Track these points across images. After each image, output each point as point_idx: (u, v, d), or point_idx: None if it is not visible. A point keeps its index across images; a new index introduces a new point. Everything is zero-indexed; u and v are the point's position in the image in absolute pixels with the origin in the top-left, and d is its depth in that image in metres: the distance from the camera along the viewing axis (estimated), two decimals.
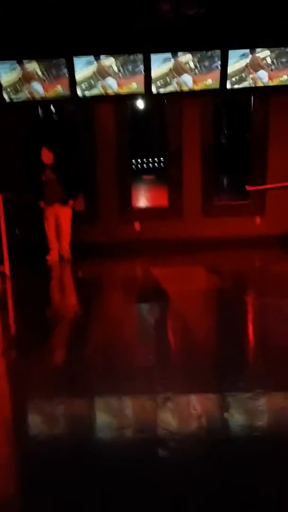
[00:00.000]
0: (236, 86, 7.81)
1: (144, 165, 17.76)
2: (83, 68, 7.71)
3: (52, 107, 12.72)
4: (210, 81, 7.79)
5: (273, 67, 7.74)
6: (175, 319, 5.54)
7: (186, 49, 7.64)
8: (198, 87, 7.79)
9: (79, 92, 7.85)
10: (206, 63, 7.70)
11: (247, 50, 7.64)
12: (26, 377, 4.05)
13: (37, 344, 4.72)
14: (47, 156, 7.63)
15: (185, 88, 7.79)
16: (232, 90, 7.92)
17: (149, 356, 4.32)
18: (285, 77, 7.85)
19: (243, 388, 3.70)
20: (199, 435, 3.15)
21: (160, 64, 7.72)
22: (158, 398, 3.56)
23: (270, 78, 7.81)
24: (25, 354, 4.55)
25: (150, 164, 17.91)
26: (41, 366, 4.25)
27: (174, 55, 7.63)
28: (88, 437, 3.22)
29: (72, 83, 7.76)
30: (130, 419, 3.43)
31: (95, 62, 7.68)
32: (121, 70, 7.76)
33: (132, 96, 8.26)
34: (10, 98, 7.89)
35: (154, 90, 7.86)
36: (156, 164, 17.59)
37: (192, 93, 7.94)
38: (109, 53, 7.66)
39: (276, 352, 4.41)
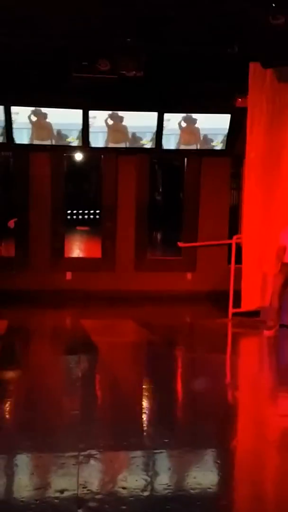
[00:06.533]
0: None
1: (79, 216, 17.88)
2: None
3: None
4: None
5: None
6: (103, 372, 5.42)
7: (123, 109, 7.92)
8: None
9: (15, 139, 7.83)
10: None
11: (183, 114, 8.03)
12: None
13: None
14: None
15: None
16: (166, 150, 8.25)
17: (74, 411, 4.16)
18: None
19: (170, 446, 3.62)
20: (121, 494, 3.02)
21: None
22: (80, 456, 3.40)
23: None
24: None
25: (85, 216, 18.06)
26: None
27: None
28: (5, 497, 2.99)
29: (9, 130, 7.75)
30: (50, 478, 3.23)
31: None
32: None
33: (69, 148, 8.37)
34: None
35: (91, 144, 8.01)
36: (91, 215, 17.77)
37: (128, 150, 8.17)
38: (48, 106, 7.77)
39: (204, 407, 4.40)
